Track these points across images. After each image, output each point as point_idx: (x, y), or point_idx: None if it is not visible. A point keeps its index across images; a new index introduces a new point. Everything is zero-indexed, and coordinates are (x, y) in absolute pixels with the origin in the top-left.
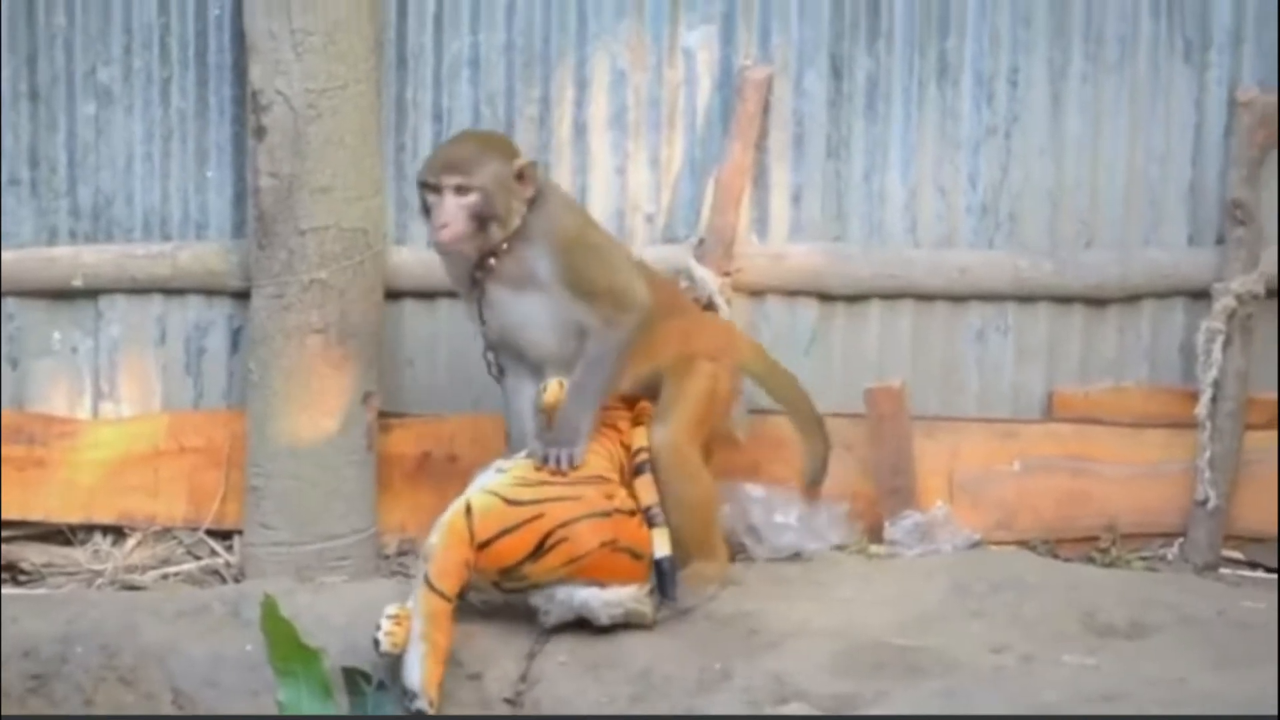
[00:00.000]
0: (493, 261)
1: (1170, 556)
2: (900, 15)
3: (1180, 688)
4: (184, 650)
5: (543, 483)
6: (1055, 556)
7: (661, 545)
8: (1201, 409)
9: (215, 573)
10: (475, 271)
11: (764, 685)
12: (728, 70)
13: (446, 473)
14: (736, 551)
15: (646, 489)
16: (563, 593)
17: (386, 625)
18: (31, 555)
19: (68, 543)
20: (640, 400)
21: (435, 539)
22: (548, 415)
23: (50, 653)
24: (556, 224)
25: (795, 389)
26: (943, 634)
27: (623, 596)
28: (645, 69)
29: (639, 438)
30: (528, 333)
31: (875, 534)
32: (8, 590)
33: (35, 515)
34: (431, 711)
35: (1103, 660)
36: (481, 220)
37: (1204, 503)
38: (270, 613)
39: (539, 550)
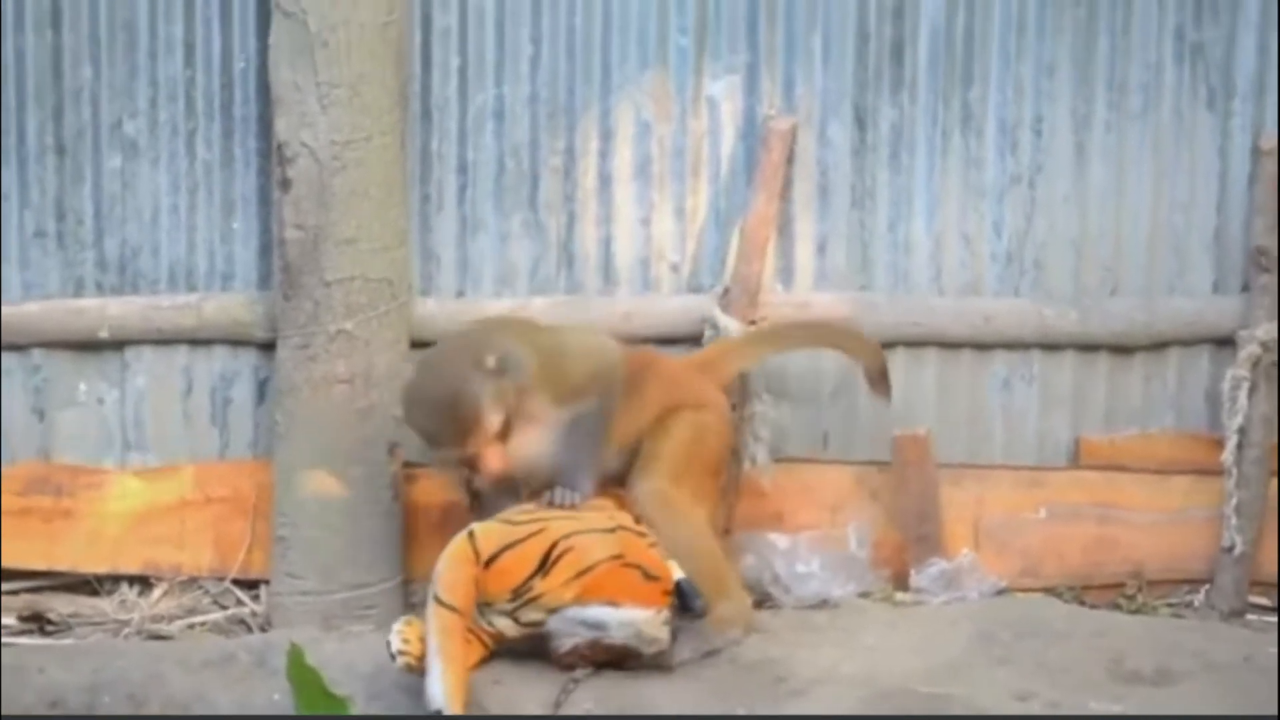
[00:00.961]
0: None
1: (1197, 603)
2: (924, 65)
3: None
4: (211, 699)
5: (542, 511)
6: (1081, 603)
7: (679, 568)
8: (1227, 455)
9: (241, 622)
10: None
11: None
12: (752, 120)
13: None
14: (762, 600)
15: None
16: (575, 612)
17: (398, 628)
18: (58, 605)
19: (94, 593)
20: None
21: (441, 564)
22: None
23: (77, 702)
24: (529, 370)
25: (803, 328)
26: (968, 681)
27: (636, 617)
28: (669, 119)
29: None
30: (526, 461)
31: (901, 581)
32: (34, 641)
33: (62, 565)
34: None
35: (1129, 707)
36: (504, 433)
37: (1230, 549)
38: (297, 661)
39: (545, 563)
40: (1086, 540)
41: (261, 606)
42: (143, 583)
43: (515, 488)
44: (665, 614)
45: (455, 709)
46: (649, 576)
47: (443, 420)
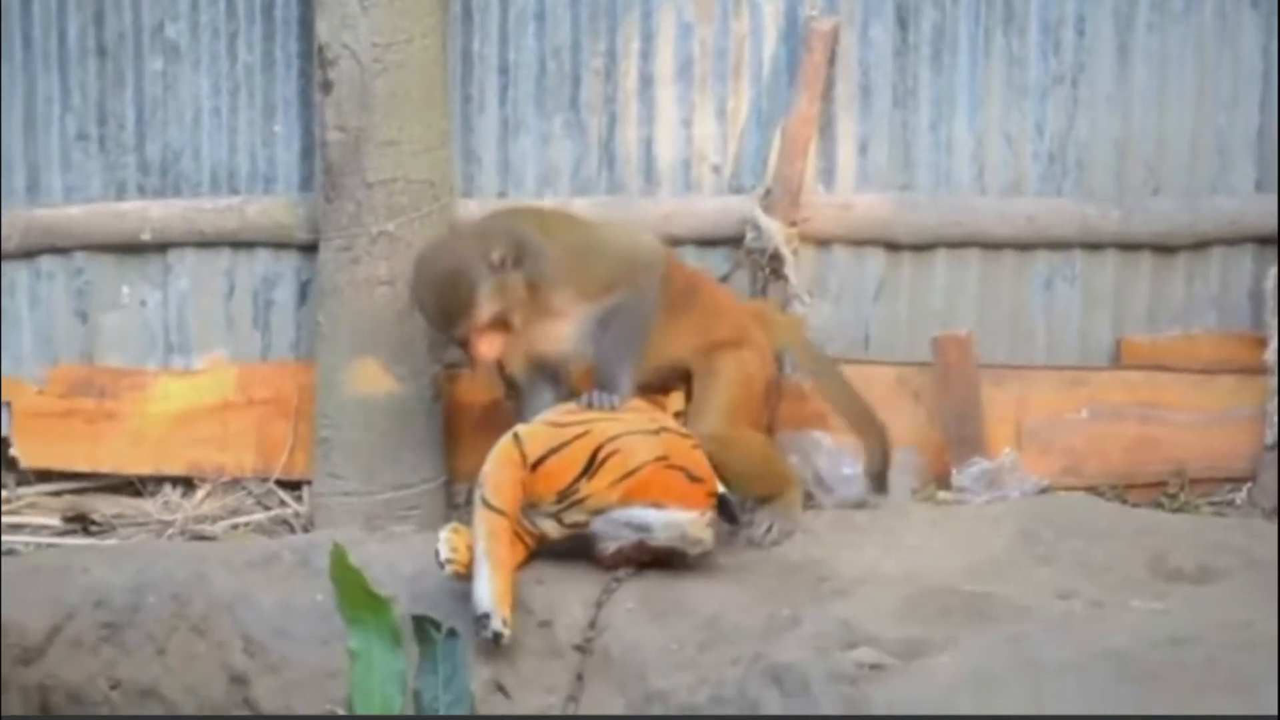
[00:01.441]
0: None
1: (1239, 501)
2: None
3: (1247, 631)
4: (254, 599)
5: (586, 413)
6: (1123, 502)
7: (719, 480)
8: (1270, 354)
9: (284, 523)
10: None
11: (832, 631)
12: (793, 21)
13: (513, 421)
14: (805, 501)
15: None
16: (619, 513)
17: (445, 535)
18: (102, 506)
19: (138, 494)
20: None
21: (487, 467)
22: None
23: (122, 602)
24: (552, 264)
25: (837, 380)
26: (1011, 580)
27: (680, 519)
28: (711, 21)
29: (675, 402)
30: (555, 355)
31: (943, 481)
32: (79, 541)
33: (105, 467)
34: (506, 633)
35: (1171, 605)
36: (502, 324)
37: (1272, 447)
38: (340, 562)
39: (591, 466)
40: (1128, 439)
41: (304, 507)
42: (186, 484)
43: (554, 380)
44: (709, 515)
45: (503, 612)
46: (693, 478)
47: (435, 302)
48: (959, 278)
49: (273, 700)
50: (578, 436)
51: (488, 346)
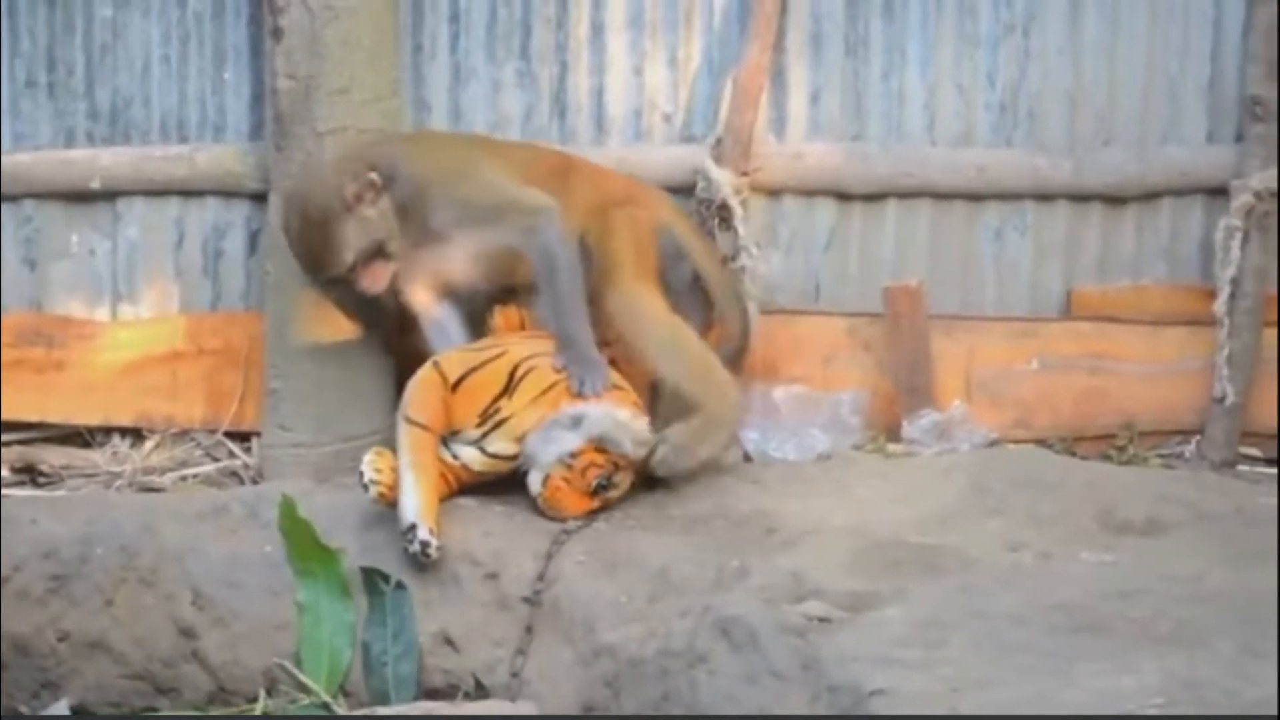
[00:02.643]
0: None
1: (1188, 454)
2: None
3: (1196, 584)
4: (203, 551)
5: (501, 337)
6: (1073, 454)
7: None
8: (1220, 306)
9: (234, 474)
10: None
11: (781, 583)
12: None
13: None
14: (760, 457)
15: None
16: (548, 421)
17: (369, 458)
18: (50, 457)
19: (86, 445)
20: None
21: (408, 391)
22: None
23: (70, 554)
24: (417, 187)
25: (711, 258)
26: (960, 532)
27: (615, 411)
28: None
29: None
30: (454, 281)
31: (893, 433)
32: (27, 492)
33: (53, 417)
34: (435, 541)
35: (1120, 557)
36: (380, 254)
37: (1222, 400)
38: (289, 513)
39: (510, 383)
40: (1078, 391)
41: (253, 459)
42: (135, 434)
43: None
44: (644, 418)
45: (428, 522)
46: (615, 386)
47: (302, 252)
48: (910, 228)
49: (221, 653)
50: (495, 357)
51: (370, 280)
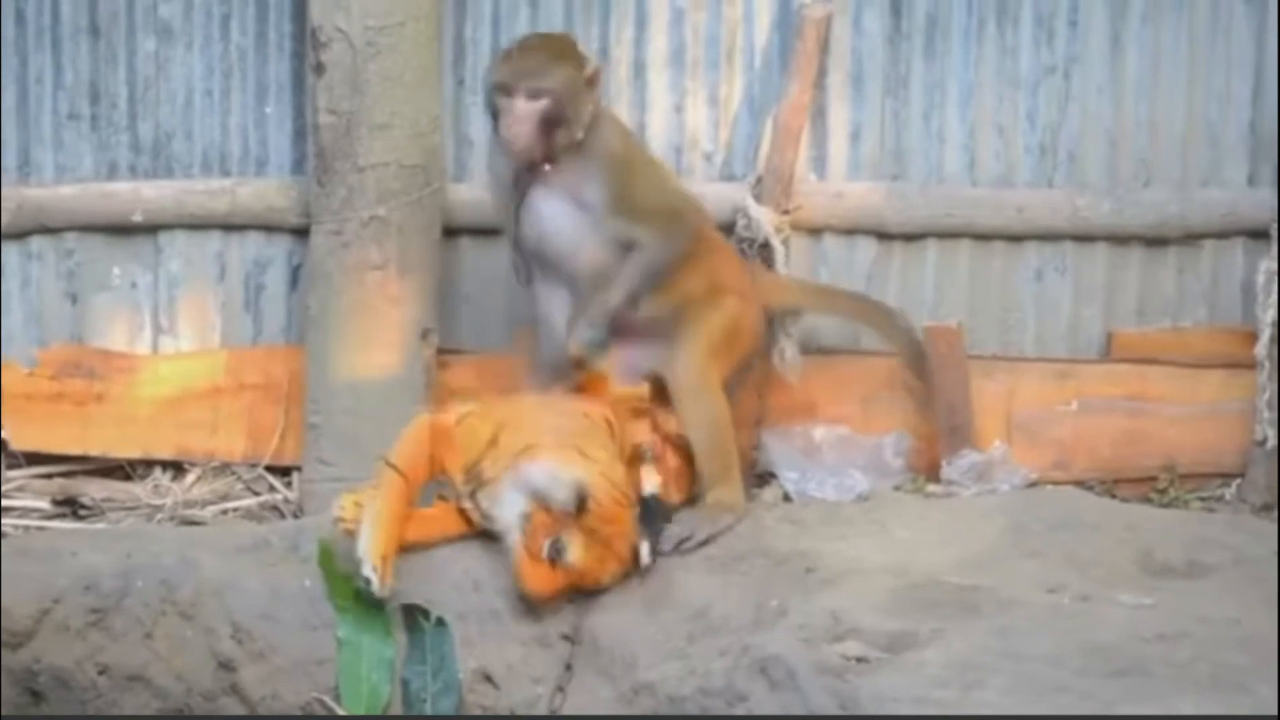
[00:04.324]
0: (546, 168)
1: (1228, 496)
2: None
3: (1236, 628)
4: (243, 585)
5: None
6: (1112, 496)
7: (649, 483)
8: (1260, 349)
9: (274, 508)
10: (524, 176)
11: (820, 623)
12: (786, 8)
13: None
14: (800, 497)
15: (642, 430)
16: (507, 480)
17: (343, 497)
18: (91, 490)
19: (127, 478)
20: (641, 391)
21: (398, 437)
22: (575, 365)
23: (111, 587)
24: (609, 144)
25: (849, 299)
26: (999, 573)
27: (576, 473)
28: (704, 7)
29: (638, 432)
30: (566, 246)
31: (932, 473)
32: (68, 525)
33: (94, 450)
34: (375, 578)
35: (1159, 600)
36: (550, 125)
37: (1262, 443)
38: (326, 557)
39: (493, 441)
40: (1118, 433)
41: (294, 493)
42: (175, 468)
43: (563, 276)
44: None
45: (374, 560)
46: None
47: (527, 48)
48: (949, 268)
49: (260, 687)
50: (487, 411)
51: (523, 120)
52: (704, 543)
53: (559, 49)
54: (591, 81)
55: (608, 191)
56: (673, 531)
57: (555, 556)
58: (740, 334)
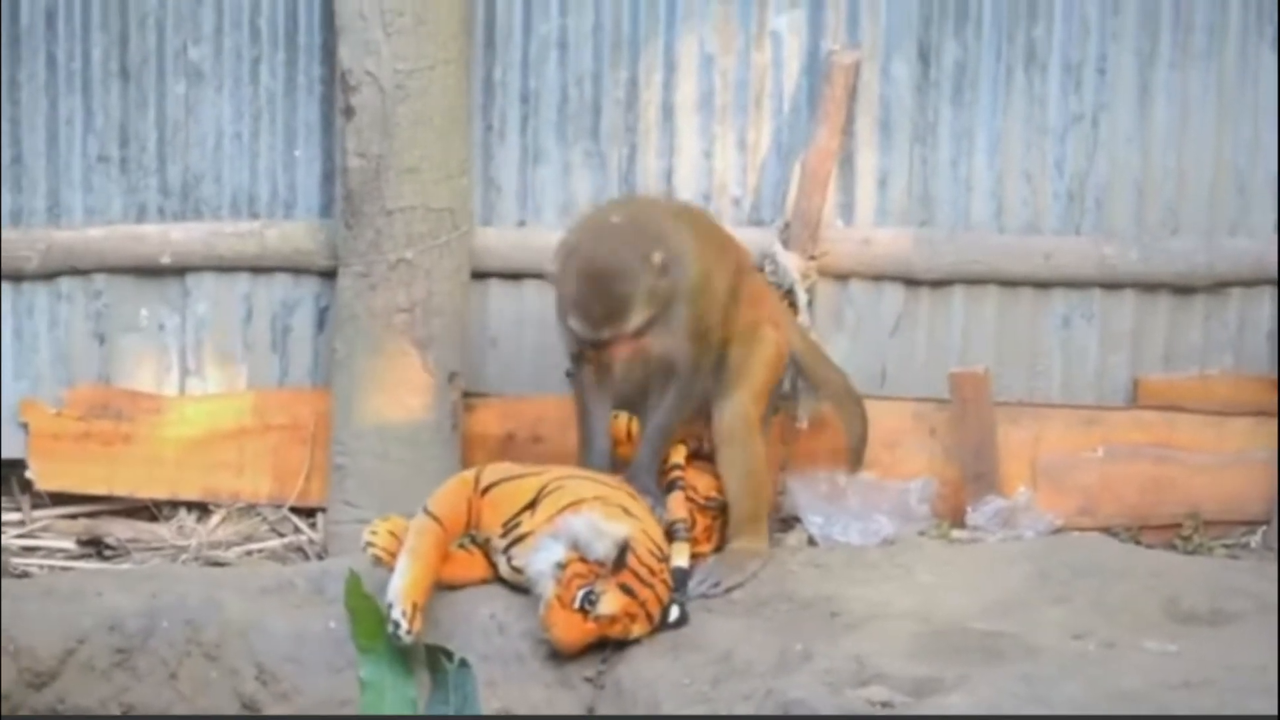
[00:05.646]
0: None
1: (1253, 544)
2: (989, 1)
3: (1261, 675)
4: (267, 626)
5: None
6: (1138, 543)
7: (680, 557)
8: None
9: (299, 550)
10: None
11: (844, 667)
12: (815, 55)
13: (530, 453)
14: (825, 542)
15: (678, 505)
16: (545, 535)
17: (376, 523)
18: (117, 530)
19: (153, 518)
20: (677, 457)
21: (440, 487)
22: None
23: (135, 627)
24: (686, 281)
25: (831, 366)
26: (1024, 619)
27: (617, 528)
28: (733, 52)
29: (674, 508)
30: (636, 372)
31: (957, 519)
32: (93, 565)
33: (121, 490)
34: (405, 623)
35: (1184, 647)
36: (645, 330)
37: None
38: (354, 590)
39: (536, 500)
40: (1144, 480)
41: (319, 534)
42: (201, 509)
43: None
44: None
45: (404, 605)
46: (630, 515)
47: (594, 301)
48: (977, 314)
49: None
50: (533, 474)
51: (626, 352)
52: (730, 589)
53: (623, 278)
54: (665, 267)
55: (682, 324)
56: (699, 577)
57: (588, 607)
58: (778, 367)
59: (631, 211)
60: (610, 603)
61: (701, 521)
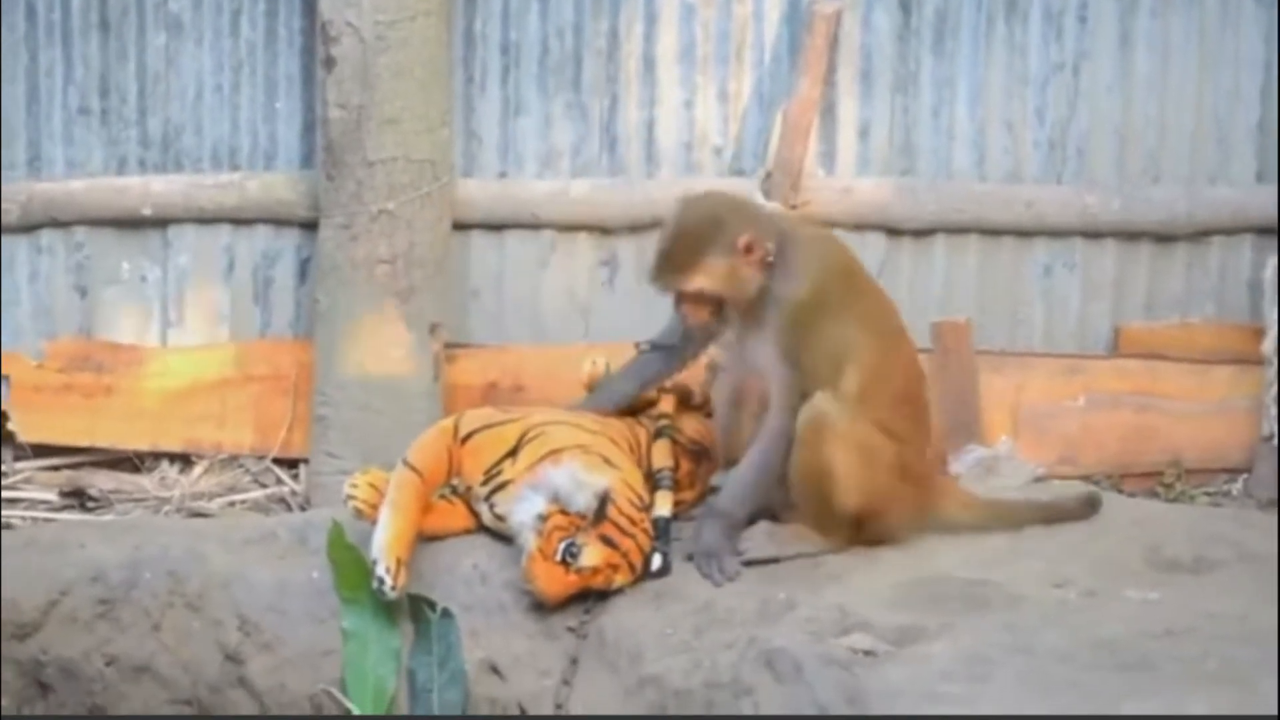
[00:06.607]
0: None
1: (1234, 492)
2: None
3: (1242, 623)
4: (250, 577)
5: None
6: (1119, 491)
7: (663, 506)
8: (1268, 345)
9: (281, 500)
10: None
11: (827, 616)
12: (796, 4)
13: (512, 401)
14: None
15: (663, 454)
16: (525, 485)
17: (355, 476)
18: (99, 482)
19: (135, 470)
20: (665, 406)
21: (419, 437)
22: (587, 388)
23: (118, 578)
24: (795, 285)
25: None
26: (1006, 569)
27: (598, 479)
28: (713, 3)
29: (659, 456)
30: (737, 374)
31: (940, 468)
32: (75, 516)
33: (102, 442)
34: (389, 579)
35: (1166, 595)
36: (716, 307)
37: (1269, 438)
38: (337, 540)
39: (517, 447)
40: (1125, 428)
41: (301, 485)
42: (183, 460)
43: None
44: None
45: (388, 561)
46: (579, 446)
47: (664, 246)
48: (958, 264)
49: (267, 678)
50: (513, 420)
51: (691, 313)
52: (774, 560)
53: (701, 238)
54: (750, 250)
55: (778, 334)
56: (751, 539)
57: (569, 559)
58: (911, 385)
59: (758, 207)
60: (592, 555)
61: (685, 465)
